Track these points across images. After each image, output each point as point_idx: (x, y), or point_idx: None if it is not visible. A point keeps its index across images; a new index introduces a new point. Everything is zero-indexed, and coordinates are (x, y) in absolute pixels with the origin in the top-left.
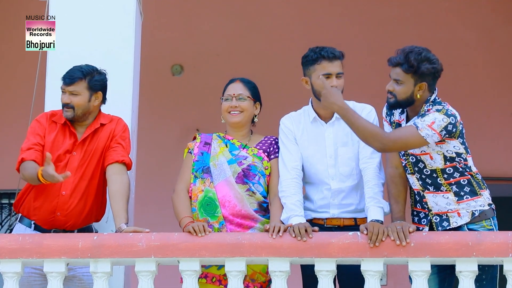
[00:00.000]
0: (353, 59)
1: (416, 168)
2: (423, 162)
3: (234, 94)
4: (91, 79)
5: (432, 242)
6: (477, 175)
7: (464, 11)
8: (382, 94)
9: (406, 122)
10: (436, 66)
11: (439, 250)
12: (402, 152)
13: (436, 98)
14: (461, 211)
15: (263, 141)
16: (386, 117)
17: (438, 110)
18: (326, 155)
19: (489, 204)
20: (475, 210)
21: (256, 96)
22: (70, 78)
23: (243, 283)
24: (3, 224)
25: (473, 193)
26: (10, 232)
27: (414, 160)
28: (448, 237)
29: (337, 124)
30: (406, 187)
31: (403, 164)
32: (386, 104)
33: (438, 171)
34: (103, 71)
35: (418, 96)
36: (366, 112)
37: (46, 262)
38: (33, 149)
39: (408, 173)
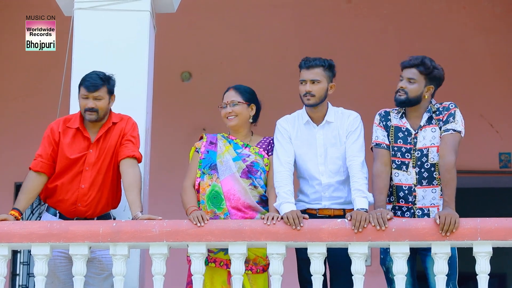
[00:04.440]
0: (340, 67)
1: (419, 162)
2: (427, 156)
3: (228, 102)
4: (109, 83)
5: (411, 228)
6: None
7: (438, 25)
8: (367, 99)
9: (411, 126)
10: (443, 75)
11: (417, 234)
12: (405, 150)
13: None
14: (440, 207)
15: (263, 141)
16: (380, 123)
17: (456, 106)
18: (317, 154)
19: None
20: None
21: (249, 99)
22: (94, 85)
23: (248, 266)
24: (34, 212)
25: None
26: (40, 219)
27: (420, 154)
28: (425, 223)
29: (327, 127)
30: (389, 182)
31: (401, 162)
32: (379, 111)
33: (436, 165)
34: (113, 75)
35: (426, 97)
36: (352, 118)
37: (72, 245)
38: (38, 159)
39: (404, 170)
